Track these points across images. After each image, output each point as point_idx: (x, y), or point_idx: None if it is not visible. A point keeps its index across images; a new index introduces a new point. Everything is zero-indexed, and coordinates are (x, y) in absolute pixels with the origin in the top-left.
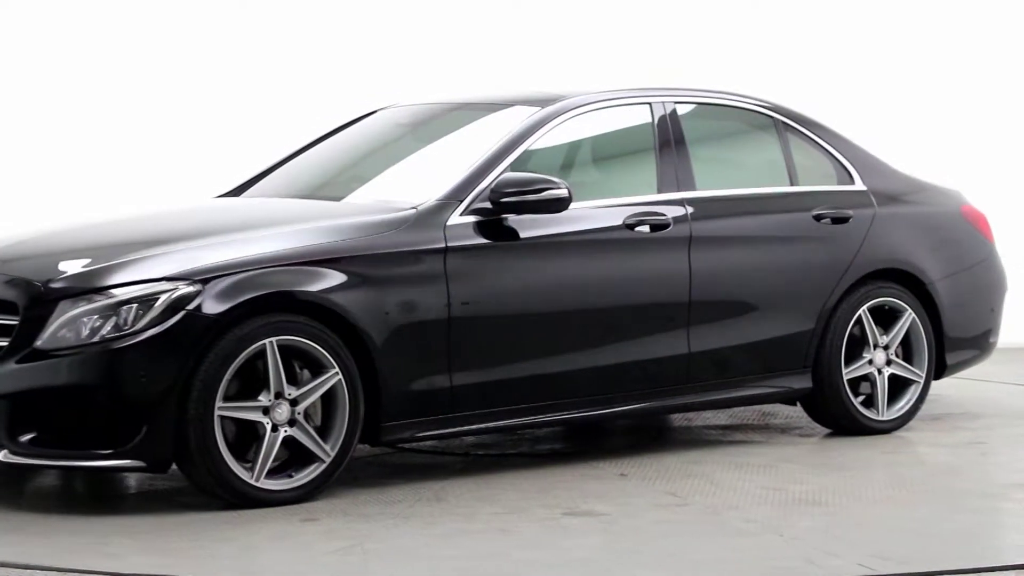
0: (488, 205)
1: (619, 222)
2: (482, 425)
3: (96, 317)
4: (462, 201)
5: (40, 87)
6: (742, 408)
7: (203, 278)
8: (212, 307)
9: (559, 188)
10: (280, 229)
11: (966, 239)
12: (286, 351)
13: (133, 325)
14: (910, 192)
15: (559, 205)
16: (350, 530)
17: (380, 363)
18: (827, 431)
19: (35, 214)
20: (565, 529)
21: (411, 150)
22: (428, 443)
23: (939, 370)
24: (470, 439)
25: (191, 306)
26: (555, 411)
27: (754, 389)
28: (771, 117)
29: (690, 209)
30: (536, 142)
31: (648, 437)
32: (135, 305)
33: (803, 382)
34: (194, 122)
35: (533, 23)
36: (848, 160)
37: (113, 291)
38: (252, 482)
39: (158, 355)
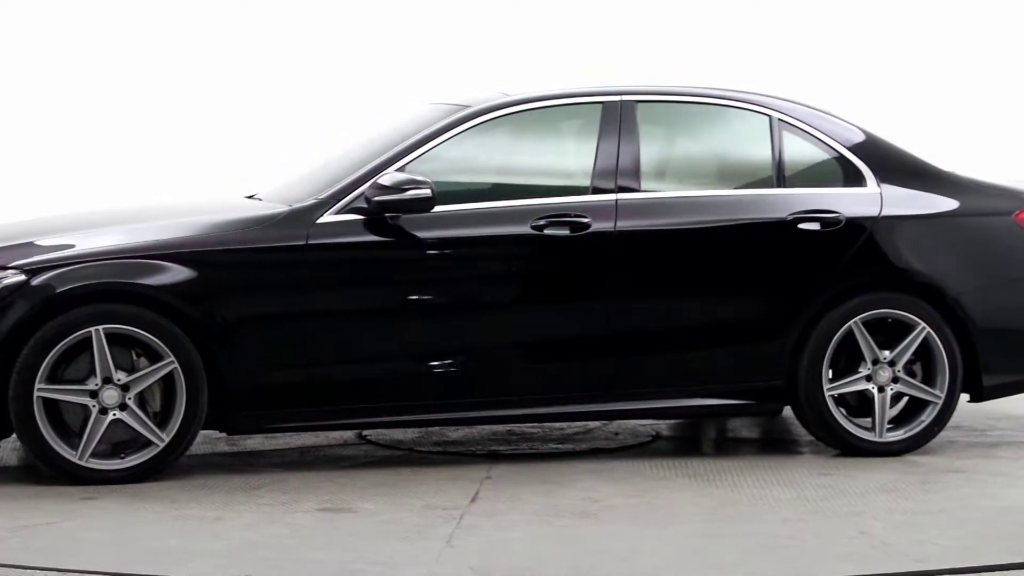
0: (365, 205)
1: (524, 223)
2: (344, 421)
3: None
4: (340, 200)
5: (70, 88)
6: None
7: (30, 268)
8: (34, 296)
9: (422, 188)
10: (137, 225)
11: (1016, 247)
12: (128, 340)
13: None
14: (949, 195)
15: (423, 205)
16: (85, 510)
17: (221, 355)
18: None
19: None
20: (276, 523)
21: None
22: (407, 437)
23: (977, 392)
24: (454, 436)
25: (14, 294)
26: (434, 411)
27: (706, 400)
28: (766, 115)
29: (620, 211)
30: (460, 142)
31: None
32: None
33: (773, 396)
34: (225, 124)
35: (532, 25)
36: (863, 160)
37: None
38: (77, 461)
39: None
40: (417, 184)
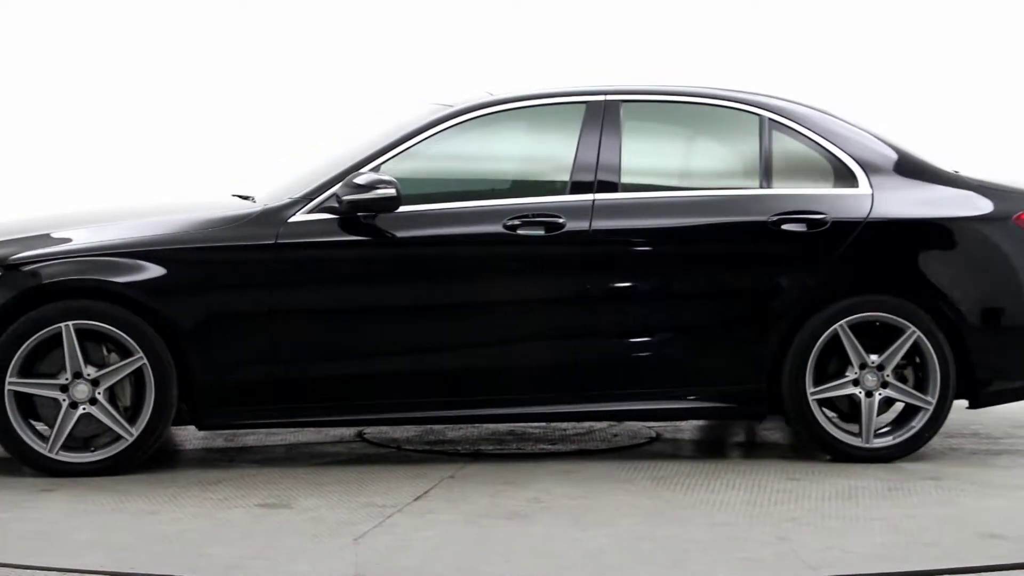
0: (336, 204)
1: (497, 222)
2: (312, 419)
3: None
4: (312, 199)
5: (74, 91)
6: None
7: (4, 264)
8: (7, 291)
9: (386, 188)
10: (111, 223)
11: (1016, 251)
12: (102, 336)
13: None
14: (945, 196)
15: (388, 204)
16: (34, 502)
17: (190, 352)
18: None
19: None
20: (204, 518)
21: None
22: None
23: (975, 398)
24: (451, 435)
25: None
26: (399, 410)
27: (684, 402)
28: (756, 115)
29: (597, 211)
30: (439, 142)
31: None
32: None
33: (756, 400)
34: (230, 125)
35: (536, 25)
36: (857, 160)
37: None
38: (47, 454)
39: None
40: (383, 184)
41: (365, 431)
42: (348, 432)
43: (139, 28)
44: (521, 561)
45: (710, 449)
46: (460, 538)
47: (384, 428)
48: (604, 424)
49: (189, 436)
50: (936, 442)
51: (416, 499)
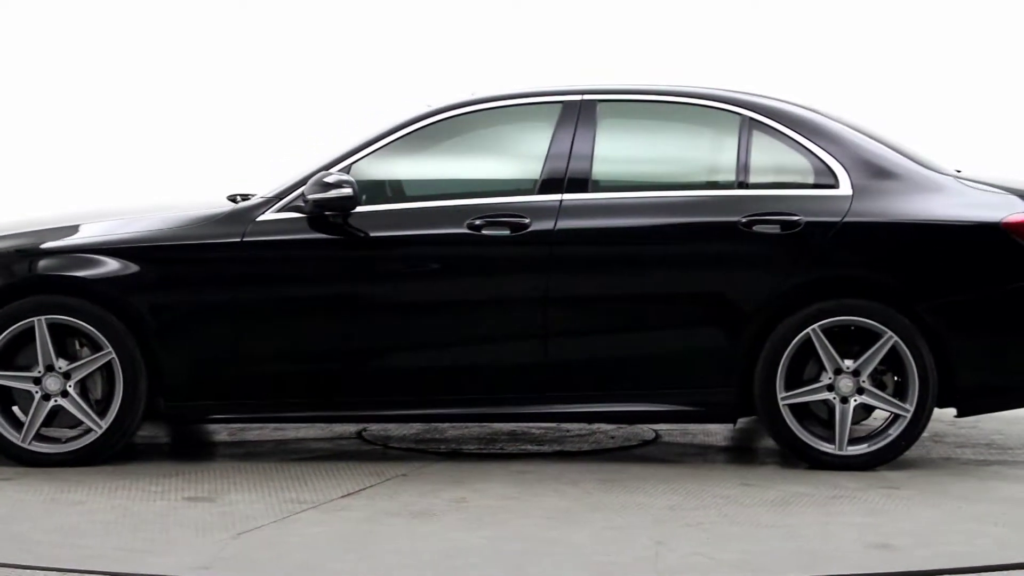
0: (303, 203)
1: (460, 222)
2: (280, 414)
3: None
4: (282, 199)
5: (70, 88)
6: None
7: None
8: None
9: (345, 188)
10: (88, 222)
11: (1003, 255)
12: (76, 331)
13: None
14: (931, 198)
15: (347, 203)
16: None
17: (158, 346)
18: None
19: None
20: (120, 509)
21: None
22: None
23: (959, 406)
24: (450, 434)
25: None
26: (366, 408)
27: (651, 405)
28: (737, 115)
29: (563, 211)
30: (413, 142)
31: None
32: None
33: (726, 403)
34: (236, 126)
35: (539, 25)
36: (839, 161)
37: None
38: (20, 444)
39: None
40: (344, 183)
41: (366, 428)
42: (351, 429)
43: (141, 28)
44: (372, 559)
45: (704, 452)
46: (341, 536)
47: (388, 425)
48: (612, 427)
49: (195, 429)
50: (940, 450)
51: (344, 496)
